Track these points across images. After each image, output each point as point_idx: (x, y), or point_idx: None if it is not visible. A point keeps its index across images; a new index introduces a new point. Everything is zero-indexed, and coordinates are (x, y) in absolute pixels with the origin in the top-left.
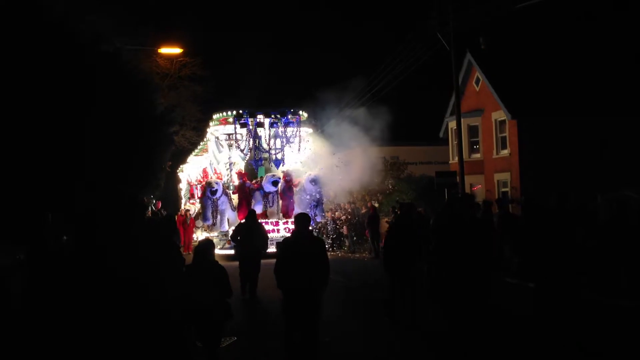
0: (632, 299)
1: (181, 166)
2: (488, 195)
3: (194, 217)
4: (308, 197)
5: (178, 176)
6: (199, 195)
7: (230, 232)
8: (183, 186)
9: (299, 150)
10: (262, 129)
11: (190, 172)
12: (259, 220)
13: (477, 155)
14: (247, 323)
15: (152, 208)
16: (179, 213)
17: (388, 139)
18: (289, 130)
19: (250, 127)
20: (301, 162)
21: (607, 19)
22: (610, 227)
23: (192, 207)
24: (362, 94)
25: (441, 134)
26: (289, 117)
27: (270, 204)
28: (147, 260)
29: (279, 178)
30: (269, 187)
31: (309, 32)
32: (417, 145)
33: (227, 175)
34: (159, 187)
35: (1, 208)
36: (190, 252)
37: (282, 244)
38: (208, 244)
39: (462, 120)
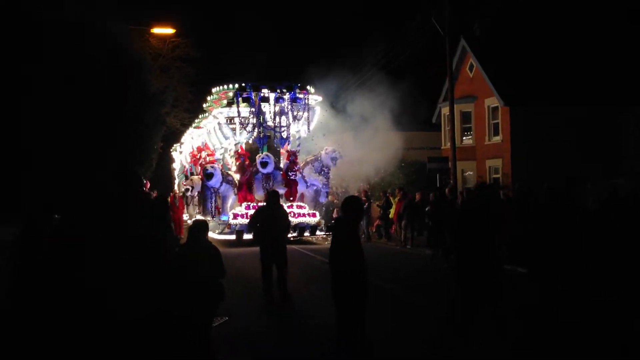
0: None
1: (175, 145)
2: (479, 180)
3: (182, 197)
4: (322, 168)
5: (171, 156)
6: (198, 173)
7: (230, 218)
8: (177, 166)
9: (308, 129)
10: (266, 104)
11: (185, 150)
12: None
13: (470, 142)
14: (240, 304)
15: None
16: (171, 194)
17: (380, 124)
18: (296, 106)
19: (254, 101)
20: (308, 135)
21: (604, 5)
22: (600, 215)
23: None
24: (355, 79)
25: (434, 120)
26: (297, 92)
27: (271, 185)
28: (140, 238)
29: (268, 157)
30: (261, 169)
31: (310, 10)
32: (409, 131)
33: (230, 158)
34: (150, 167)
35: None
36: (182, 236)
37: (333, 227)
38: (202, 225)
39: (455, 106)
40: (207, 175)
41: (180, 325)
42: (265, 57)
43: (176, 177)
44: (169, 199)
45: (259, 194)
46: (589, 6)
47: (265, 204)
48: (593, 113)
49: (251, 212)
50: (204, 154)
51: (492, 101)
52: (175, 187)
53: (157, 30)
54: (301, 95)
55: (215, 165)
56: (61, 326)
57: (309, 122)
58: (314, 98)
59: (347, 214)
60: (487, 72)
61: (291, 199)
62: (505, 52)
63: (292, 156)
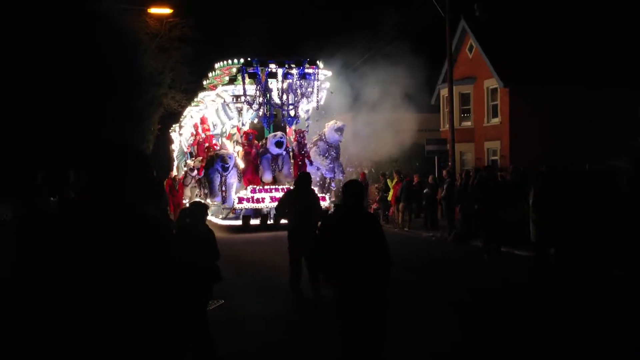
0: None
1: (173, 125)
2: (477, 163)
3: (183, 178)
4: (328, 148)
5: (170, 137)
6: (199, 153)
7: (235, 202)
8: (176, 147)
9: (317, 107)
10: (273, 80)
11: (185, 131)
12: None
13: (468, 123)
14: (239, 286)
15: None
16: (169, 177)
17: (379, 106)
18: (306, 82)
19: (261, 77)
20: (316, 112)
21: None
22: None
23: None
24: (354, 60)
25: (433, 102)
26: (306, 67)
27: (280, 168)
28: (146, 219)
29: (283, 137)
30: (274, 149)
31: None
32: (411, 113)
33: (227, 141)
34: (147, 149)
35: None
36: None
37: (325, 221)
38: (202, 207)
39: (454, 87)
40: (225, 169)
41: (174, 307)
42: (266, 37)
43: (175, 158)
44: (168, 182)
45: (266, 177)
46: None
47: (293, 187)
48: (595, 94)
49: (258, 195)
50: (204, 134)
51: (492, 82)
52: (174, 170)
53: (154, 10)
54: (310, 71)
55: (232, 155)
56: (69, 318)
57: (318, 98)
58: (324, 73)
59: (347, 199)
60: (487, 53)
61: None
62: (506, 33)
63: (300, 136)
